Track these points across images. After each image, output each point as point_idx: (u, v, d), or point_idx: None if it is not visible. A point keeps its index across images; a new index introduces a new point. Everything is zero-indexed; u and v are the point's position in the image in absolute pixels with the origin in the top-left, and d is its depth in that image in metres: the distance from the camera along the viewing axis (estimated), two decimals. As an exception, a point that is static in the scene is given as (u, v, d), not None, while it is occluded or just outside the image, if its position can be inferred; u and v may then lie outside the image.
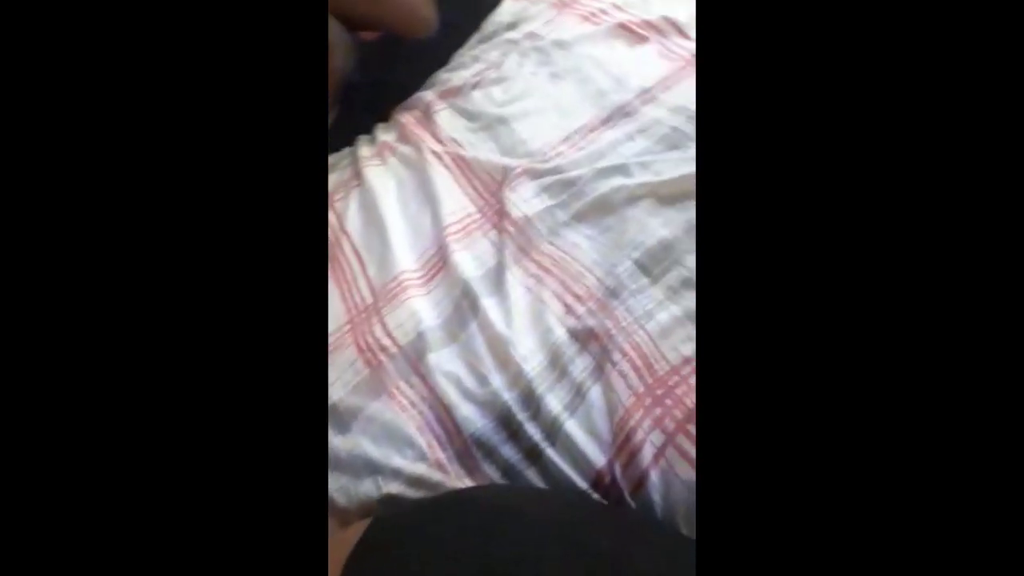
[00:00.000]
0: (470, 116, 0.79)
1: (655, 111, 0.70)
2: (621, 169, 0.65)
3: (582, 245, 0.61)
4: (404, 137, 0.80)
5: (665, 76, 0.74)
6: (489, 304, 0.58)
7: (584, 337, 0.54)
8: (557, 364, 0.52)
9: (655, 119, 0.69)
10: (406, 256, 0.65)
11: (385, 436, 0.52)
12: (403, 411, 0.54)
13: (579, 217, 0.63)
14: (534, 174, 0.68)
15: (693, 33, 0.78)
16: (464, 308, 0.58)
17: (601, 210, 0.63)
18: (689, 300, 0.53)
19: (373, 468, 0.50)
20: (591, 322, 0.54)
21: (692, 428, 0.46)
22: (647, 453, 0.46)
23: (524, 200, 0.66)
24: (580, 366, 0.52)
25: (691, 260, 0.56)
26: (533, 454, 0.48)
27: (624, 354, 0.51)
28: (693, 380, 0.49)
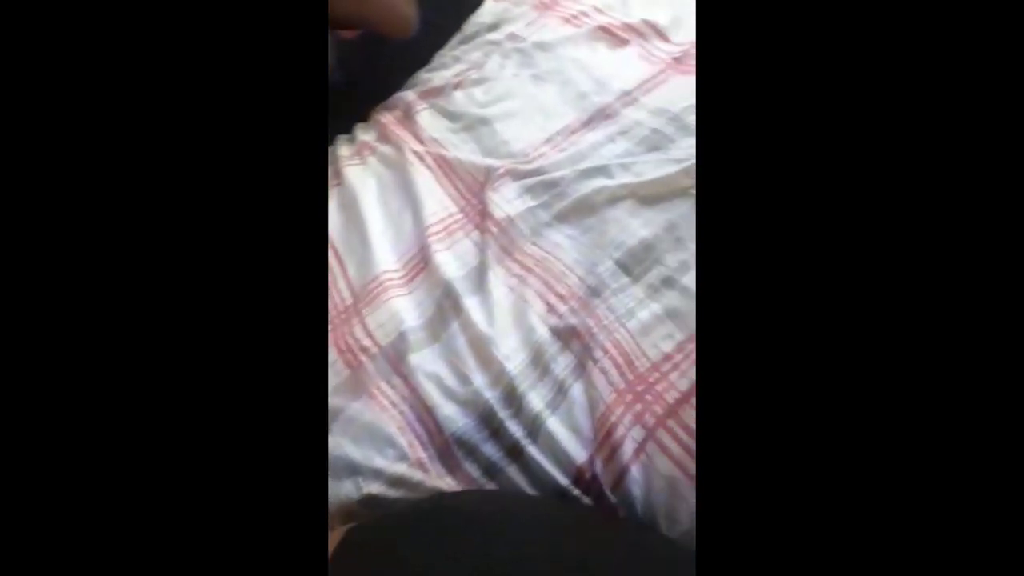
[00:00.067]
0: (452, 116, 0.80)
1: (636, 113, 0.72)
2: (602, 170, 0.67)
3: (564, 245, 0.62)
4: (384, 137, 0.81)
5: (646, 79, 0.76)
6: (471, 304, 0.58)
7: (566, 335, 0.55)
8: (539, 362, 0.54)
9: (636, 121, 0.71)
10: (387, 256, 0.66)
11: (366, 436, 0.52)
12: (384, 411, 0.54)
13: (561, 218, 0.64)
14: (516, 175, 0.69)
15: (673, 36, 0.81)
16: (446, 308, 0.59)
17: (583, 211, 0.64)
18: (669, 298, 0.55)
19: (354, 469, 0.51)
20: (573, 321, 0.55)
21: (672, 423, 0.48)
22: (628, 448, 0.47)
23: (507, 201, 0.67)
24: (562, 364, 0.53)
25: (671, 259, 0.58)
26: (514, 451, 0.49)
27: (605, 352, 0.53)
28: (673, 376, 0.50)
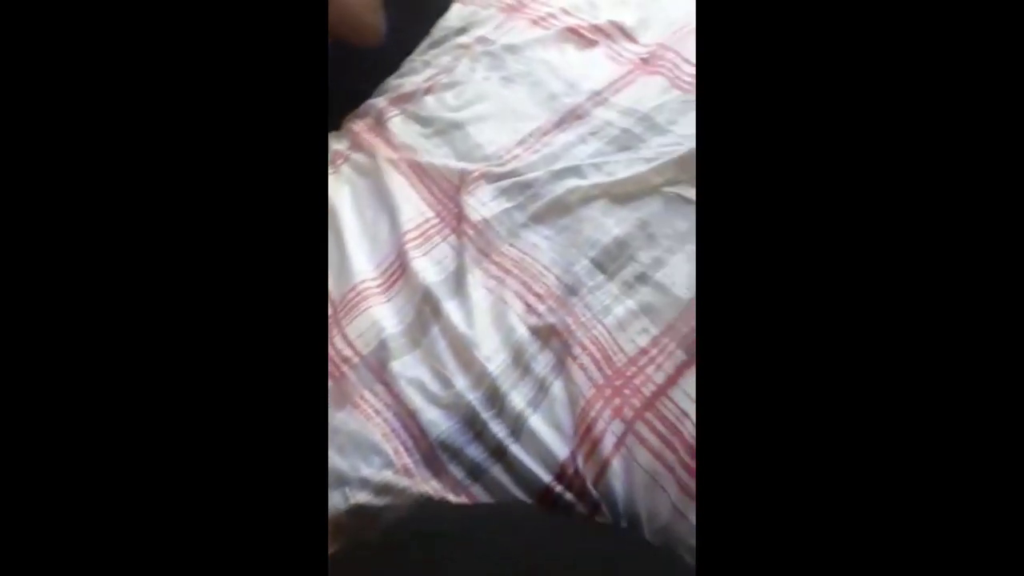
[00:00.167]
0: (423, 122, 0.81)
1: (606, 113, 0.75)
2: (575, 171, 0.69)
3: (540, 245, 0.64)
4: (357, 145, 0.82)
5: (615, 79, 0.79)
6: (451, 307, 0.60)
7: (545, 334, 0.57)
8: (520, 361, 0.55)
9: (606, 121, 0.74)
10: (364, 265, 0.67)
11: (352, 446, 0.54)
12: (369, 420, 0.55)
13: (536, 218, 0.66)
14: (491, 177, 0.71)
15: (640, 37, 0.83)
16: (426, 313, 0.60)
17: (557, 211, 0.66)
18: (643, 294, 0.58)
19: (341, 480, 0.52)
20: (552, 319, 0.57)
21: (650, 416, 0.50)
22: (608, 443, 0.49)
23: (482, 203, 0.69)
24: (542, 362, 0.55)
25: (644, 256, 0.60)
26: (498, 452, 0.50)
27: (584, 348, 0.55)
28: (649, 370, 0.52)
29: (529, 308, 0.59)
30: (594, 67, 0.81)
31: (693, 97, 0.72)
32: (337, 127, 0.87)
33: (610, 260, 0.61)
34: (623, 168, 0.67)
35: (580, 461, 0.49)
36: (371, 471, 0.52)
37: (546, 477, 0.48)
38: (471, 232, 0.66)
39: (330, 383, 0.58)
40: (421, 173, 0.75)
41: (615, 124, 0.73)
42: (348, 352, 0.60)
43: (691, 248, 0.59)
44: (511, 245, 0.65)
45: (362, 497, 0.50)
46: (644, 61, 0.80)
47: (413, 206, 0.71)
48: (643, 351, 0.54)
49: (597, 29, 0.86)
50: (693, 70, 0.76)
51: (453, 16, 0.98)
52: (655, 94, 0.74)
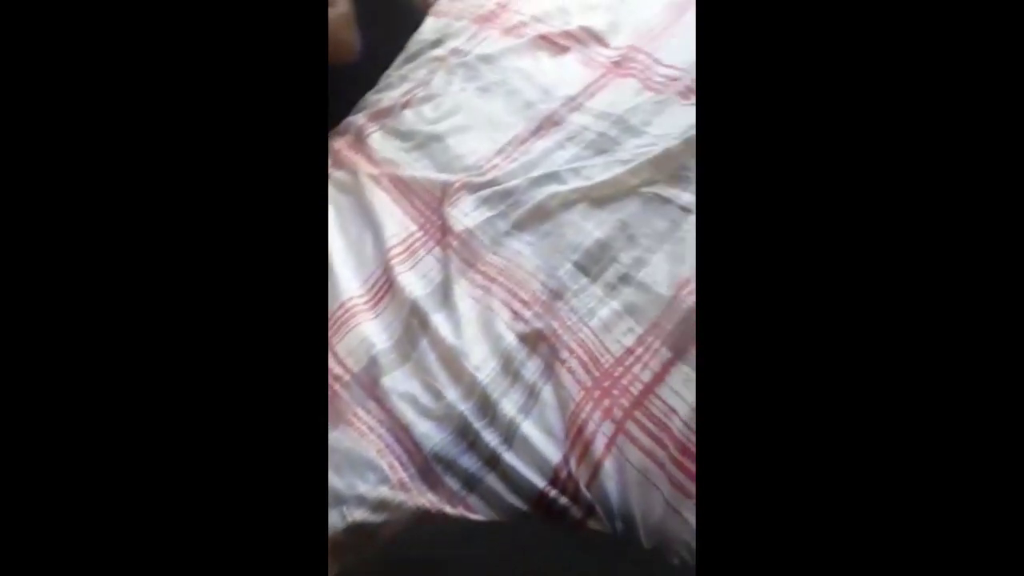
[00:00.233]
0: (403, 136, 0.83)
1: (581, 118, 0.76)
2: (554, 177, 0.70)
3: (524, 252, 0.65)
4: (338, 163, 0.83)
5: (588, 84, 0.80)
6: (438, 319, 0.61)
7: (533, 340, 0.58)
8: (509, 369, 0.56)
9: (582, 126, 0.75)
10: (351, 282, 0.68)
11: (347, 464, 0.54)
12: (363, 437, 0.56)
13: (519, 225, 0.67)
14: (472, 188, 0.72)
15: (611, 41, 0.85)
16: (414, 327, 0.61)
17: (539, 217, 0.68)
18: (627, 295, 0.59)
19: (338, 499, 0.52)
20: (538, 324, 0.58)
21: (639, 414, 0.51)
22: (599, 444, 0.50)
23: (465, 214, 0.70)
24: (531, 368, 0.56)
25: (625, 257, 0.61)
26: (492, 460, 0.51)
27: (571, 352, 0.56)
28: (636, 369, 0.53)
29: (516, 315, 0.60)
30: (567, 73, 0.82)
31: (664, 97, 0.74)
32: (317, 146, 0.88)
33: (593, 263, 0.62)
34: (600, 171, 0.68)
35: (573, 464, 0.50)
36: (367, 488, 0.52)
37: (540, 482, 0.49)
38: (455, 243, 0.67)
39: (323, 402, 0.59)
40: (403, 187, 0.76)
41: (591, 128, 0.74)
42: (339, 370, 0.61)
43: (670, 246, 0.61)
44: (495, 253, 0.66)
45: (359, 515, 0.51)
46: (616, 64, 0.81)
47: (397, 221, 0.72)
48: (629, 351, 0.55)
49: (568, 35, 0.87)
50: (664, 70, 0.78)
51: (427, 29, 0.99)
52: (628, 96, 0.76)
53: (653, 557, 0.45)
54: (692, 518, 0.46)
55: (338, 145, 0.85)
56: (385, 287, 0.67)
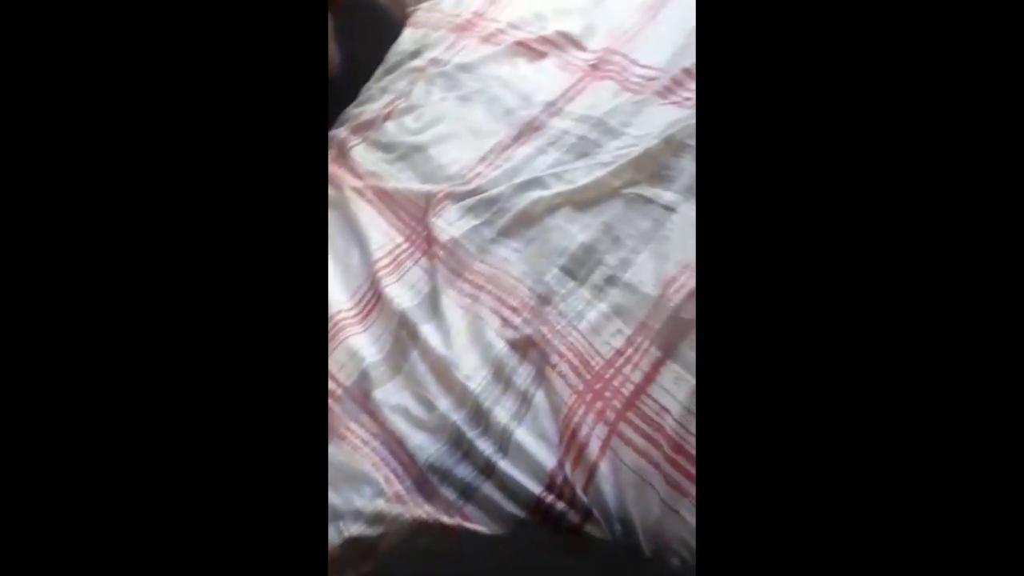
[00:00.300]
0: (385, 148, 0.83)
1: (562, 123, 0.77)
2: (537, 182, 0.71)
3: (511, 259, 0.66)
4: (321, 177, 0.83)
5: (567, 88, 0.81)
6: (428, 330, 0.61)
7: (523, 346, 0.59)
8: (501, 376, 0.57)
9: (563, 130, 0.76)
10: (339, 296, 0.68)
11: (342, 479, 0.54)
12: (357, 451, 0.56)
13: (504, 232, 0.68)
14: (456, 197, 0.73)
15: (588, 44, 0.86)
16: (404, 339, 0.62)
17: (524, 223, 0.68)
18: (614, 296, 0.60)
19: (334, 514, 0.52)
20: (528, 331, 0.59)
21: (631, 415, 0.52)
22: (594, 447, 0.51)
23: (450, 223, 0.71)
24: (523, 374, 0.57)
25: (611, 259, 0.62)
26: (487, 469, 0.52)
27: (562, 356, 0.56)
28: (627, 370, 0.54)
29: (505, 322, 0.61)
30: (546, 78, 0.84)
31: (642, 98, 0.75)
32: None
33: (579, 266, 0.63)
34: (583, 175, 0.69)
35: (568, 468, 0.50)
36: (363, 502, 0.53)
37: (537, 488, 0.50)
38: (441, 253, 0.68)
39: (315, 419, 0.59)
40: (387, 199, 0.77)
41: (571, 132, 0.75)
42: (331, 384, 0.61)
43: (655, 245, 0.62)
44: (482, 261, 0.66)
45: (356, 529, 0.51)
46: (593, 67, 0.83)
47: (382, 233, 0.73)
48: (619, 352, 0.56)
49: (545, 41, 0.89)
50: (641, 71, 0.79)
51: (405, 40, 1.00)
52: (607, 99, 0.77)
53: (654, 559, 0.46)
54: (690, 517, 0.47)
55: (320, 160, 0.85)
56: (373, 300, 0.67)
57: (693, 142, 0.68)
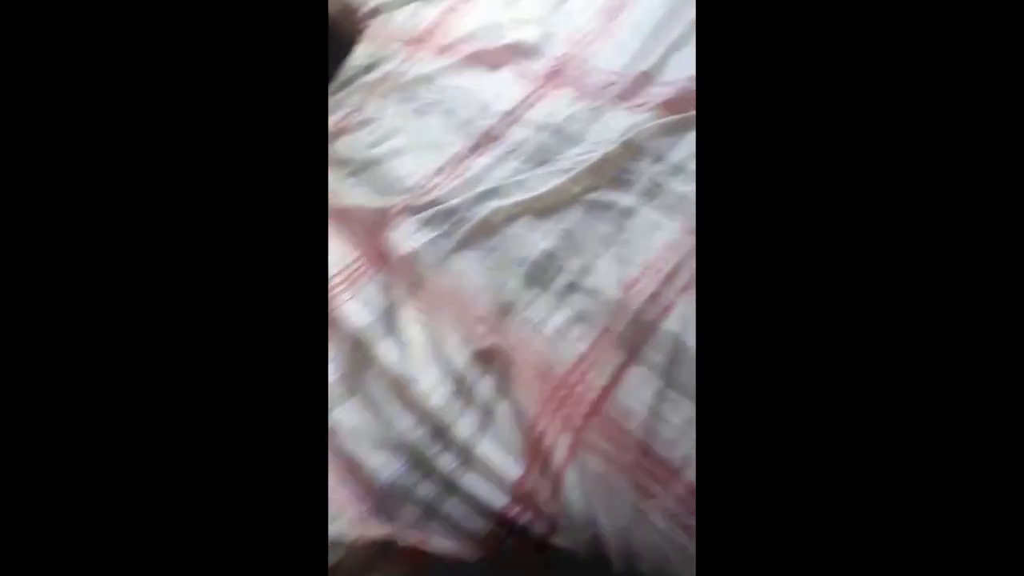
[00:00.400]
0: (340, 164, 0.83)
1: (520, 131, 0.79)
2: (496, 191, 0.72)
3: (471, 269, 0.66)
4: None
5: (524, 96, 0.83)
6: (385, 348, 0.61)
7: (485, 357, 0.59)
8: (462, 390, 0.57)
9: (521, 139, 0.78)
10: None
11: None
12: (314, 477, 0.55)
13: (464, 243, 0.69)
14: (413, 210, 0.73)
15: (544, 52, 0.89)
16: (358, 359, 0.61)
17: (485, 232, 0.69)
18: (577, 301, 0.60)
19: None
20: (490, 341, 0.59)
21: (596, 421, 0.52)
22: (559, 455, 0.51)
23: (407, 236, 0.71)
24: (485, 386, 0.57)
25: (573, 264, 0.63)
26: (450, 485, 0.51)
27: (525, 364, 0.57)
28: (591, 375, 0.55)
29: (467, 334, 0.61)
30: (504, 88, 0.85)
31: (600, 103, 0.77)
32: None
33: (541, 272, 0.63)
34: (542, 182, 0.71)
35: (533, 478, 0.50)
36: (323, 530, 0.51)
37: (502, 500, 0.49)
38: (399, 267, 0.68)
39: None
40: (343, 216, 0.77)
41: (530, 140, 0.77)
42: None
43: (616, 249, 0.63)
44: (441, 274, 0.66)
45: (316, 560, 0.50)
46: (551, 75, 0.85)
47: (336, 251, 0.72)
48: (582, 357, 0.56)
49: (502, 50, 0.91)
50: (599, 77, 0.82)
51: (358, 55, 1.01)
52: (564, 105, 0.79)
53: (623, 567, 0.46)
54: (659, 522, 0.47)
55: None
56: (328, 321, 0.66)
57: (651, 144, 0.69)
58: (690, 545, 0.45)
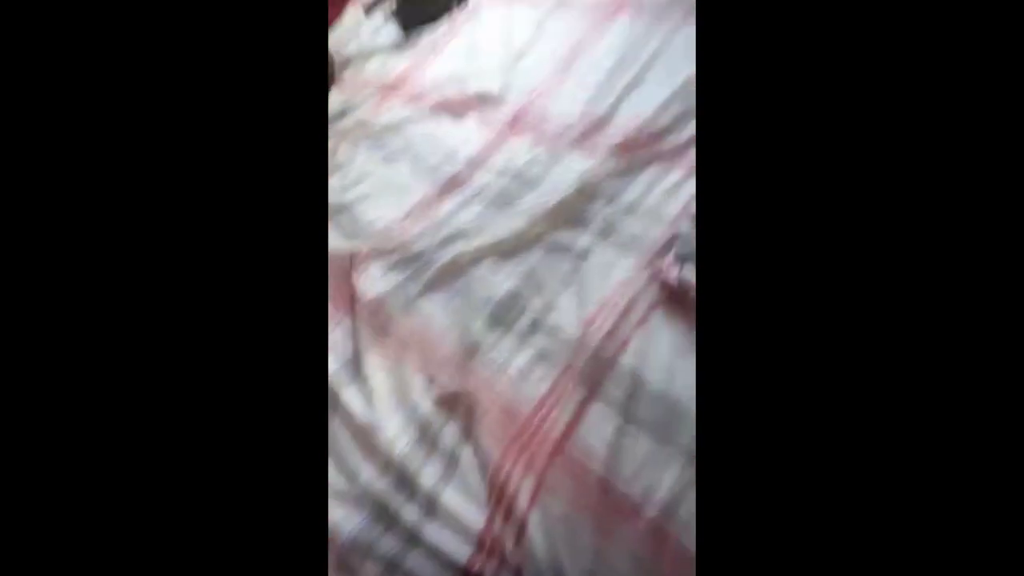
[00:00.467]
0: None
1: (483, 176, 0.82)
2: (461, 235, 0.74)
3: (436, 313, 0.68)
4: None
5: (488, 143, 0.87)
6: (349, 394, 0.61)
7: (450, 402, 0.59)
8: (427, 437, 0.57)
9: (484, 184, 0.81)
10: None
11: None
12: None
13: (430, 286, 0.70)
14: (380, 253, 0.75)
15: (506, 101, 0.93)
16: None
17: (450, 275, 0.71)
18: (540, 341, 0.62)
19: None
20: (455, 386, 0.60)
21: (559, 460, 0.53)
22: (523, 500, 0.51)
23: (374, 280, 0.72)
24: (449, 433, 0.57)
25: (535, 303, 0.65)
26: (413, 538, 0.51)
27: (488, 408, 0.57)
28: (554, 414, 0.56)
29: (431, 380, 0.61)
30: (468, 135, 0.89)
31: (558, 149, 0.81)
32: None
33: (505, 312, 0.65)
34: (504, 225, 0.73)
35: (497, 526, 0.50)
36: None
37: (466, 551, 0.49)
38: (365, 312, 0.69)
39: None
40: (310, 262, 0.78)
41: (492, 185, 0.80)
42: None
43: (575, 288, 0.65)
44: (407, 317, 0.68)
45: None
46: (511, 123, 0.89)
47: (303, 297, 0.73)
48: (544, 397, 0.57)
49: (467, 100, 0.95)
50: (554, 125, 0.86)
51: (332, 102, 1.05)
52: (524, 151, 0.83)
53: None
54: (621, 563, 0.47)
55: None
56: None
57: (604, 187, 0.73)
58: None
